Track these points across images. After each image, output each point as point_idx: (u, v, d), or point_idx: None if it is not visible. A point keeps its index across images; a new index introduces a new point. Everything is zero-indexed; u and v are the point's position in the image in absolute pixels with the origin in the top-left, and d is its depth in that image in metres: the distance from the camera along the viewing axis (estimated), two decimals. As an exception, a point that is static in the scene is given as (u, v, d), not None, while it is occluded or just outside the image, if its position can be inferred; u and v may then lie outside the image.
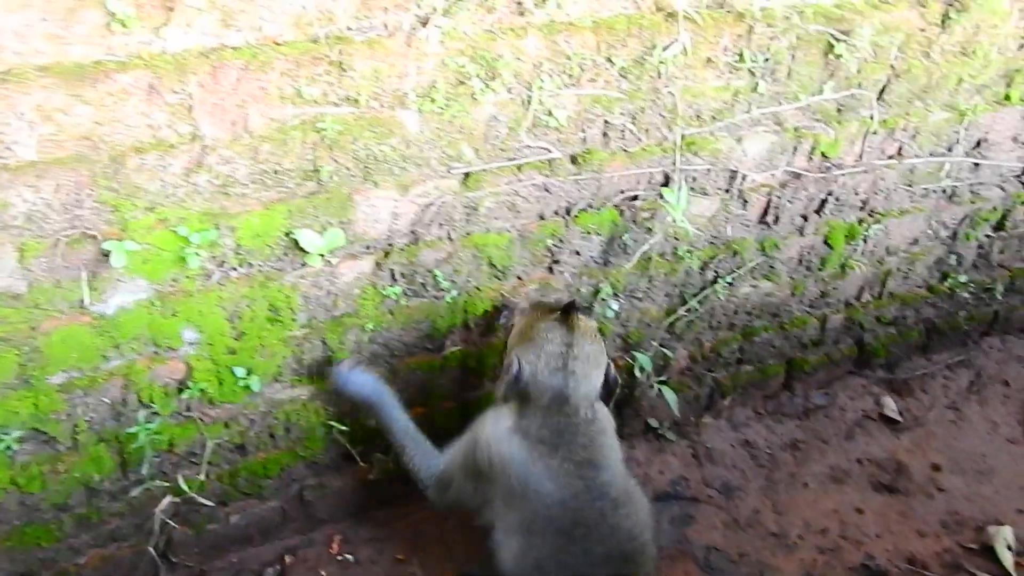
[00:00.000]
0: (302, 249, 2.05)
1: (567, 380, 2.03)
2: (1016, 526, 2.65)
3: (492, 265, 2.31)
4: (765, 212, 2.62)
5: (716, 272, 2.67)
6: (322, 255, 2.08)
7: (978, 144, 2.80)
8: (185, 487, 2.21)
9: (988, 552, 2.58)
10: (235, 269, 2.02)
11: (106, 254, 1.82)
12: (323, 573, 2.43)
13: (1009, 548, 2.57)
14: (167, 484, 2.21)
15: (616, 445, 2.16)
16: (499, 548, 2.12)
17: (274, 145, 1.90)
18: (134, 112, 1.72)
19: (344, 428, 2.37)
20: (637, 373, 2.67)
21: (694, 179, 2.42)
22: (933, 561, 2.56)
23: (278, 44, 1.80)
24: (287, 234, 2.02)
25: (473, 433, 2.16)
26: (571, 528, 2.04)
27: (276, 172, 1.94)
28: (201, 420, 2.17)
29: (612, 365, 2.10)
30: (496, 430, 2.09)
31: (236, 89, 1.80)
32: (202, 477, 2.23)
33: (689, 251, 2.56)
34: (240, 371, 2.13)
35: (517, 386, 2.06)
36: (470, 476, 2.16)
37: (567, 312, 2.08)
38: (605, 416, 2.14)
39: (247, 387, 2.15)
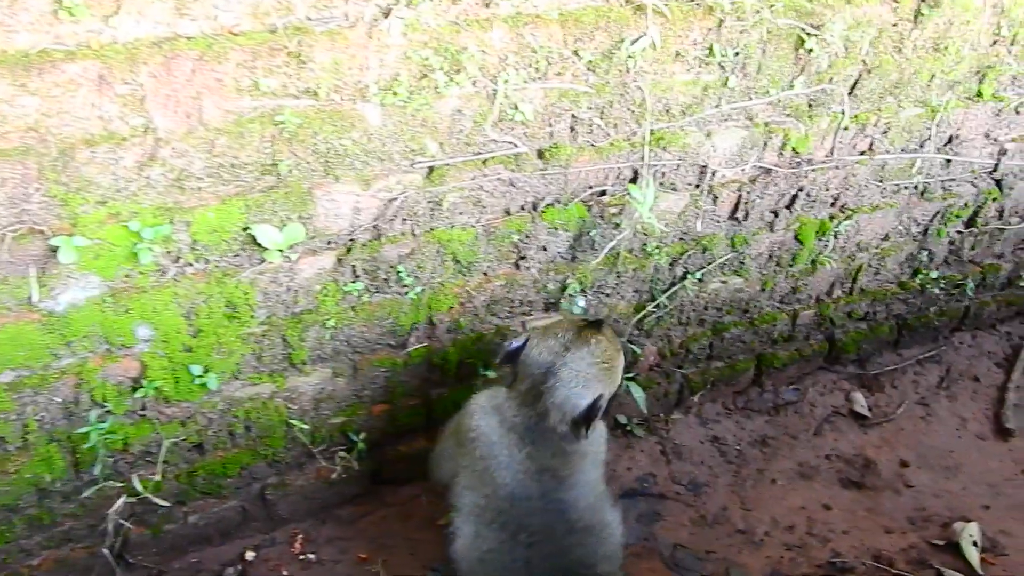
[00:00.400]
0: (260, 245, 2.00)
1: (547, 378, 2.00)
2: (982, 522, 2.65)
3: (457, 261, 2.27)
4: (735, 208, 2.59)
5: (685, 268, 2.64)
6: (281, 251, 2.03)
7: (950, 140, 2.79)
8: (140, 487, 2.16)
9: (954, 549, 2.57)
10: (191, 265, 1.97)
11: (55, 250, 1.77)
12: (285, 573, 2.39)
13: (975, 545, 2.57)
14: (122, 484, 2.16)
15: (596, 474, 2.11)
16: (454, 533, 2.08)
17: (231, 138, 1.85)
18: (84, 103, 1.67)
19: (305, 427, 2.33)
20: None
21: (663, 174, 2.39)
22: (899, 557, 2.55)
23: (234, 34, 1.75)
24: (244, 229, 1.97)
25: (469, 401, 2.14)
26: (516, 530, 2.00)
27: (233, 166, 1.89)
28: (156, 419, 2.12)
29: (604, 398, 2.02)
30: (484, 402, 2.09)
31: (190, 80, 1.75)
32: (158, 477, 2.18)
33: (658, 247, 2.53)
34: (197, 369, 2.08)
35: (511, 357, 2.07)
36: (454, 444, 2.13)
37: (589, 324, 2.08)
38: (594, 441, 2.09)
39: (204, 385, 2.10)
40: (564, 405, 1.99)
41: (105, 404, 2.04)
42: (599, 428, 2.10)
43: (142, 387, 2.05)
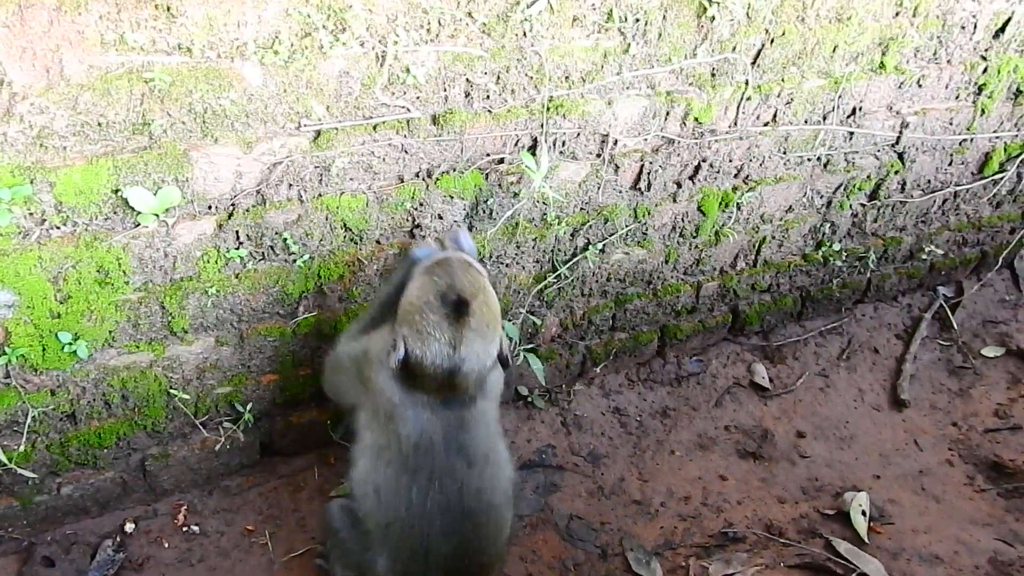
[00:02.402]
0: (133, 208, 1.91)
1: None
2: (873, 492, 2.70)
3: (347, 228, 2.20)
4: (638, 178, 2.56)
5: (587, 238, 2.61)
6: (156, 215, 1.94)
7: (853, 112, 2.79)
8: (4, 458, 2.07)
9: (844, 518, 2.61)
10: (57, 228, 1.87)
11: (-100, 209, 1.66)
12: (167, 545, 2.32)
13: (864, 514, 2.61)
14: (-16, 455, 2.07)
15: (489, 409, 2.07)
16: (352, 462, 2.05)
17: (96, 95, 1.75)
18: (-73, 54, 1.56)
19: (187, 396, 2.25)
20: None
21: (563, 143, 2.34)
22: (790, 527, 2.59)
23: (97, -17, 1.65)
24: (115, 191, 1.88)
25: (382, 337, 2.01)
26: (416, 468, 1.96)
27: (100, 124, 1.79)
28: (22, 387, 2.02)
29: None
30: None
31: (48, 32, 1.65)
32: (22, 448, 2.09)
33: (558, 217, 2.49)
34: (66, 336, 1.99)
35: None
36: (356, 374, 2.07)
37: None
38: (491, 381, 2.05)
39: (74, 353, 2.01)
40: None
41: (-36, 372, 1.95)
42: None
43: (4, 354, 1.95)
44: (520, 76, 2.17)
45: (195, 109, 1.86)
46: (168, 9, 1.71)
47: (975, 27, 2.77)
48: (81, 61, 1.71)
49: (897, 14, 2.60)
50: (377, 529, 2.02)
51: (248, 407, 2.37)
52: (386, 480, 1.98)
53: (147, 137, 1.85)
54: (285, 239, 2.14)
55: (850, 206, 3.07)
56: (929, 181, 3.16)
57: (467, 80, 2.11)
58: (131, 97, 1.78)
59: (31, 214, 1.83)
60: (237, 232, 2.08)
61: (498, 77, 2.15)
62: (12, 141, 1.72)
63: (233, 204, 2.04)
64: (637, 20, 2.21)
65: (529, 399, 2.84)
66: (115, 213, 1.92)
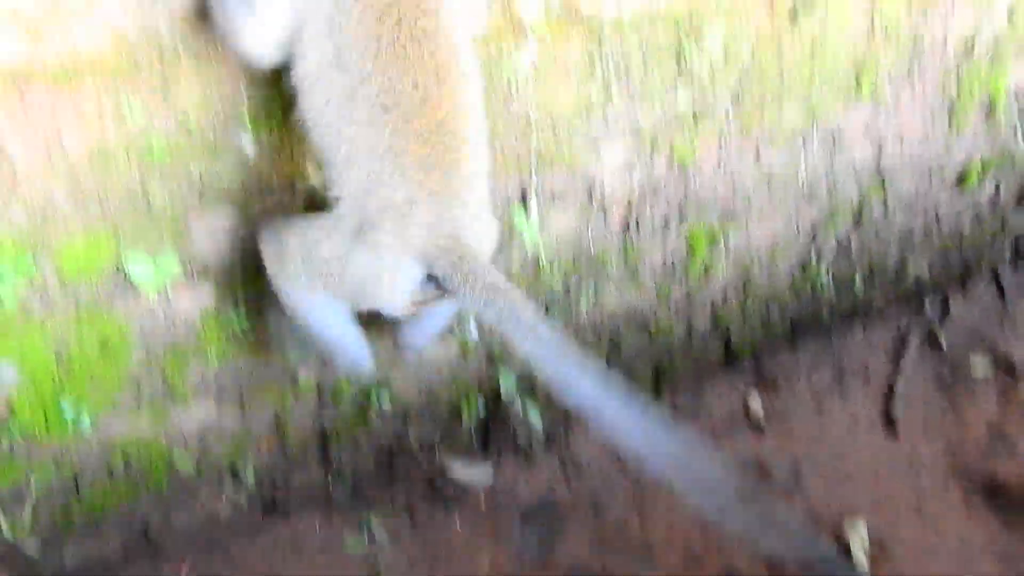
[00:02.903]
0: (134, 279, 1.92)
1: None
2: (871, 519, 2.71)
3: (345, 287, 2.22)
4: (626, 221, 2.60)
5: (579, 283, 2.64)
6: (156, 284, 1.96)
7: (832, 139, 2.83)
8: (7, 530, 2.07)
9: (844, 548, 2.63)
10: (59, 301, 1.89)
11: None
12: (171, 611, 2.32)
13: (863, 543, 2.63)
14: (-15, 528, 2.07)
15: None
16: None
17: (95, 169, 1.77)
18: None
19: (189, 461, 2.26)
20: (502, 391, 2.63)
21: (551, 192, 2.37)
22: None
23: (95, 62, 1.68)
24: (116, 263, 1.90)
25: None
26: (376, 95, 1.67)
27: (99, 198, 1.81)
28: (25, 460, 2.02)
29: None
30: None
31: (48, 110, 1.67)
32: (26, 519, 2.09)
33: (550, 264, 2.52)
34: (68, 407, 1.99)
35: None
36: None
37: None
38: None
39: (76, 423, 2.02)
40: None
41: (-33, 448, 1.95)
42: None
43: (7, 427, 1.95)
44: (507, 132, 2.20)
45: (192, 179, 1.88)
46: (164, 79, 1.74)
47: (945, 45, 2.82)
48: (80, 138, 1.73)
49: (871, 38, 2.64)
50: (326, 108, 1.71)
51: (250, 470, 2.37)
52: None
53: (146, 208, 1.87)
54: (284, 303, 2.15)
55: (835, 232, 3.11)
56: (910, 201, 3.20)
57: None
58: (129, 170, 1.81)
59: (33, 288, 1.84)
60: (237, 300, 2.09)
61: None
62: (14, 217, 1.74)
63: (233, 271, 2.05)
64: (618, 66, 2.26)
65: (528, 446, 2.84)
66: (116, 285, 1.93)
